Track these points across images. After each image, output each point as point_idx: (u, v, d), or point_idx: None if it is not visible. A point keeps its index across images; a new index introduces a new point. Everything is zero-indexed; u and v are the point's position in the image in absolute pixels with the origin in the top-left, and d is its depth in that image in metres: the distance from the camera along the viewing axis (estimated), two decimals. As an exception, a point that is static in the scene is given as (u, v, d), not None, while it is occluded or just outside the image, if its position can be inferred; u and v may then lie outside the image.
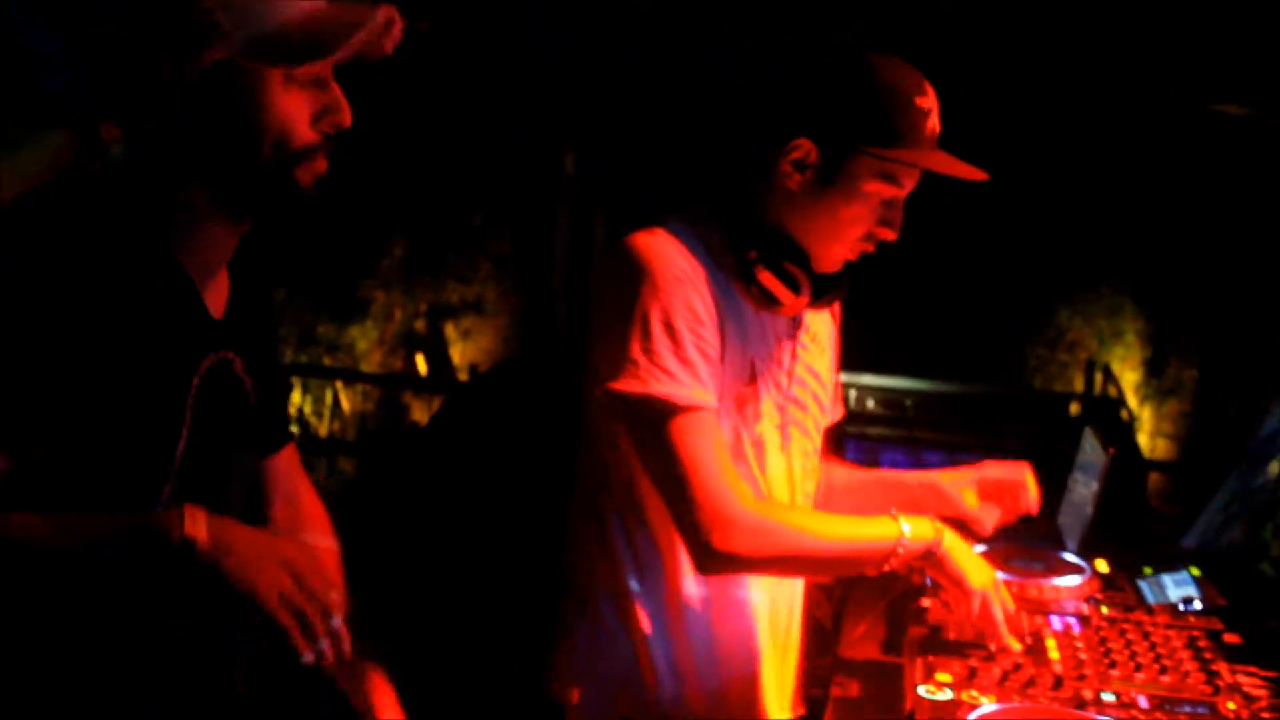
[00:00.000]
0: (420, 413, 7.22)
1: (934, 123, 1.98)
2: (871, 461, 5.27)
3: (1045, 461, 3.45)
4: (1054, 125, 7.11)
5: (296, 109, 1.58)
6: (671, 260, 1.95)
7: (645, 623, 2.08)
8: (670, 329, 1.92)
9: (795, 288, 2.02)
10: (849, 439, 5.83)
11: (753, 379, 2.06)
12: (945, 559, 2.02)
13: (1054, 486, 3.20)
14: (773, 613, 2.14)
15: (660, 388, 1.90)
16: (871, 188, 1.97)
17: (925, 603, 2.23)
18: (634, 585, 2.09)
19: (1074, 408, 7.09)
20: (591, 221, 7.50)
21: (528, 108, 6.84)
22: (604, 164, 7.13)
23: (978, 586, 2.04)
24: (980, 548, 2.33)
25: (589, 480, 2.14)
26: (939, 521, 2.07)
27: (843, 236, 2.02)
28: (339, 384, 6.92)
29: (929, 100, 1.97)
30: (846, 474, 2.42)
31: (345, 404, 6.96)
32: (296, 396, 6.59)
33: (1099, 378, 8.07)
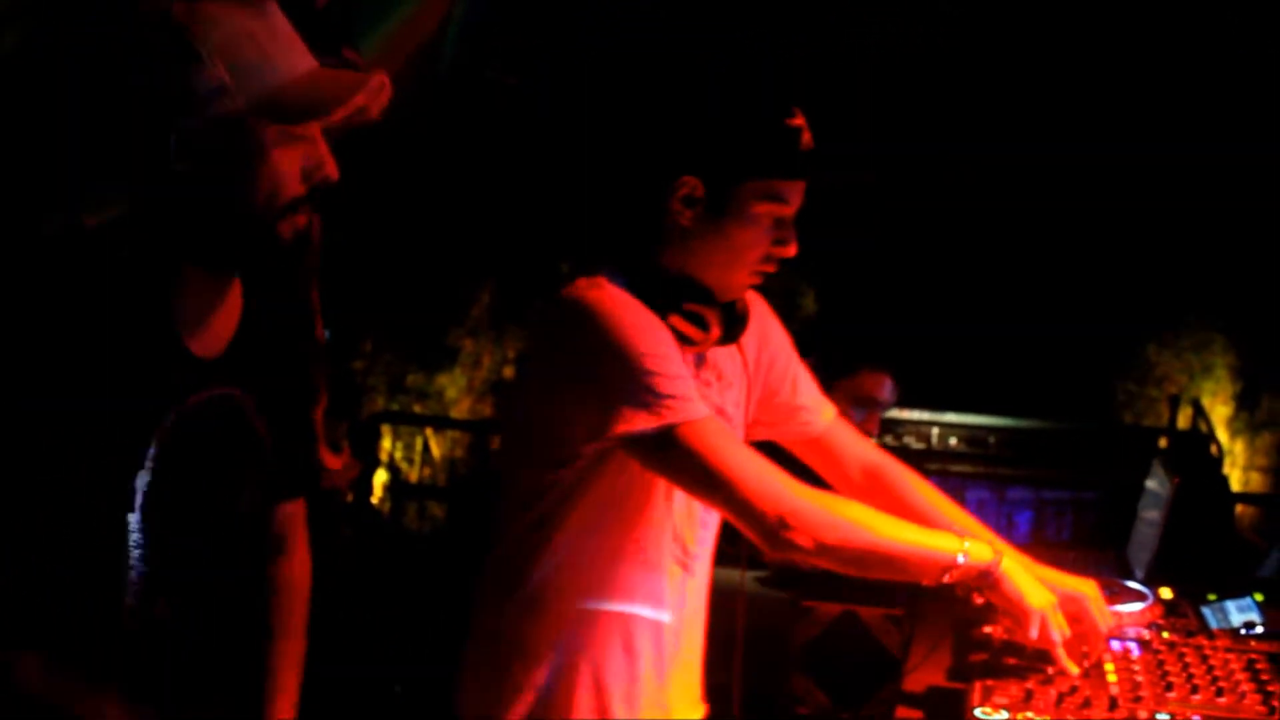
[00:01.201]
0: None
1: (806, 139, 2.07)
2: (956, 499, 5.29)
3: (1132, 497, 3.48)
4: (1144, 160, 7.10)
5: (288, 164, 1.67)
6: (630, 304, 2.03)
7: (520, 648, 2.11)
8: (653, 357, 1.98)
9: (704, 326, 2.09)
10: (932, 475, 5.85)
11: None
12: (1003, 581, 2.07)
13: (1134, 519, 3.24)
14: (651, 633, 2.14)
15: (675, 415, 1.97)
16: (761, 209, 2.06)
17: (988, 629, 2.27)
18: (517, 609, 2.12)
19: (1162, 442, 7.04)
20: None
21: (614, 153, 6.96)
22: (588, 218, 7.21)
23: (1035, 609, 2.08)
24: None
25: (508, 502, 2.18)
26: (999, 543, 2.13)
27: (742, 261, 2.10)
28: (429, 430, 7.05)
29: (798, 120, 2.06)
30: (935, 512, 2.41)
31: (435, 450, 7.08)
32: (387, 443, 6.71)
33: (1189, 412, 7.99)
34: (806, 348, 2.81)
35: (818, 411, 2.39)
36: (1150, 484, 3.07)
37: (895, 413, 5.71)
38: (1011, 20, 6.12)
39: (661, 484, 2.09)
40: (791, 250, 2.10)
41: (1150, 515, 2.96)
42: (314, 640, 2.03)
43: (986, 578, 2.07)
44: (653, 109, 2.11)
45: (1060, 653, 2.08)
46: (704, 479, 2.00)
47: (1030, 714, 1.91)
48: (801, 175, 2.07)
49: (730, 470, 1.98)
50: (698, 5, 5.68)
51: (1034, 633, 2.08)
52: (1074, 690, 2.00)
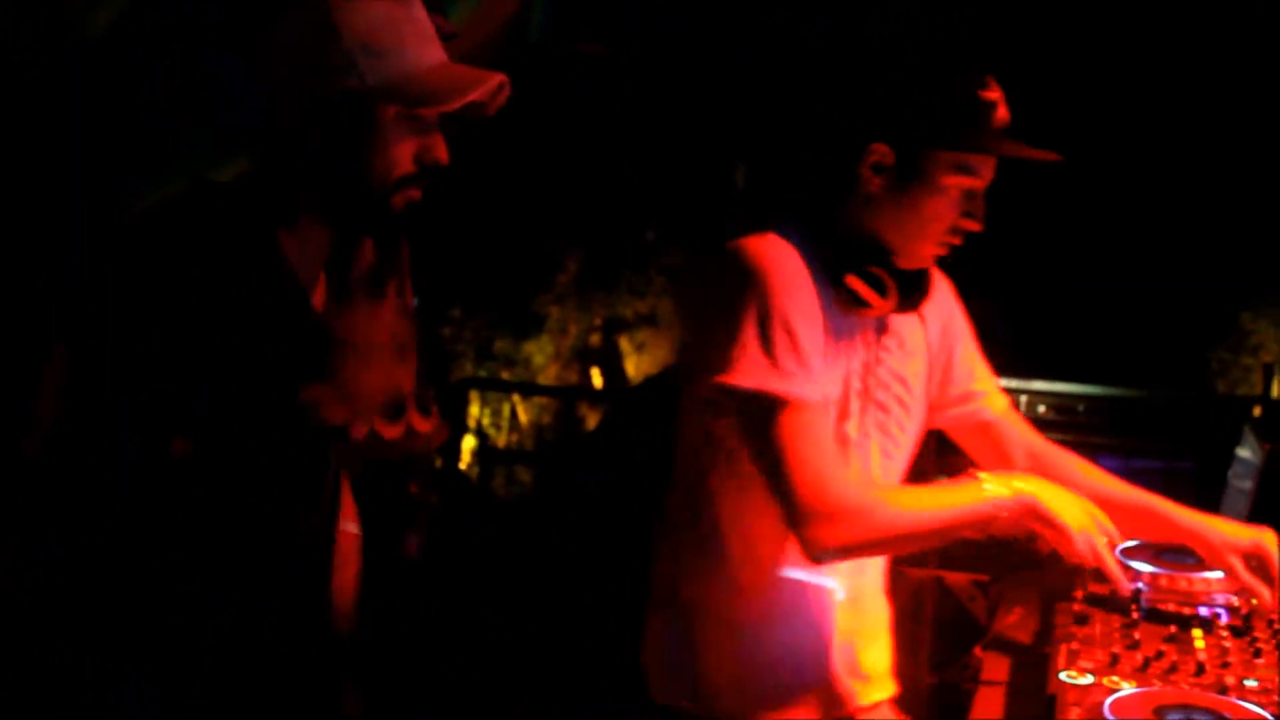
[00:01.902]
0: (595, 424, 7.38)
1: (1002, 112, 2.06)
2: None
3: (1224, 466, 3.45)
4: (1238, 128, 6.99)
5: (404, 144, 1.79)
6: (784, 262, 2.05)
7: (719, 615, 2.17)
8: (786, 327, 2.01)
9: (882, 290, 2.10)
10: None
11: (845, 380, 2.15)
12: (1036, 506, 2.06)
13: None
14: (851, 601, 2.21)
15: (776, 384, 1.99)
16: (950, 181, 2.06)
17: (1076, 596, 2.27)
18: (711, 577, 2.17)
19: (1256, 411, 6.95)
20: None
21: (699, 122, 6.96)
22: (774, 175, 7.21)
23: (1076, 526, 2.07)
24: (1132, 542, 2.36)
25: (680, 475, 2.23)
26: (1016, 473, 2.13)
27: (928, 232, 2.10)
28: (515, 397, 7.11)
29: (993, 92, 2.05)
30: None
31: (522, 416, 7.14)
32: (475, 409, 6.78)
33: (1282, 380, 7.87)
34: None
35: (992, 398, 2.40)
36: (1241, 452, 3.04)
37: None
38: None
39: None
40: (978, 225, 2.11)
41: (1241, 483, 2.94)
42: (406, 607, 2.08)
43: (1023, 507, 2.06)
44: (848, 74, 2.13)
45: (1109, 565, 2.08)
46: (771, 459, 2.02)
47: (1115, 678, 1.91)
48: (993, 150, 2.06)
49: (798, 465, 1.99)
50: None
51: (1081, 549, 2.07)
52: (1160, 655, 2.00)
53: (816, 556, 2.03)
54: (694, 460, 2.19)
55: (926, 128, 2.05)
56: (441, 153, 1.82)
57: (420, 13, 1.81)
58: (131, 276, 1.73)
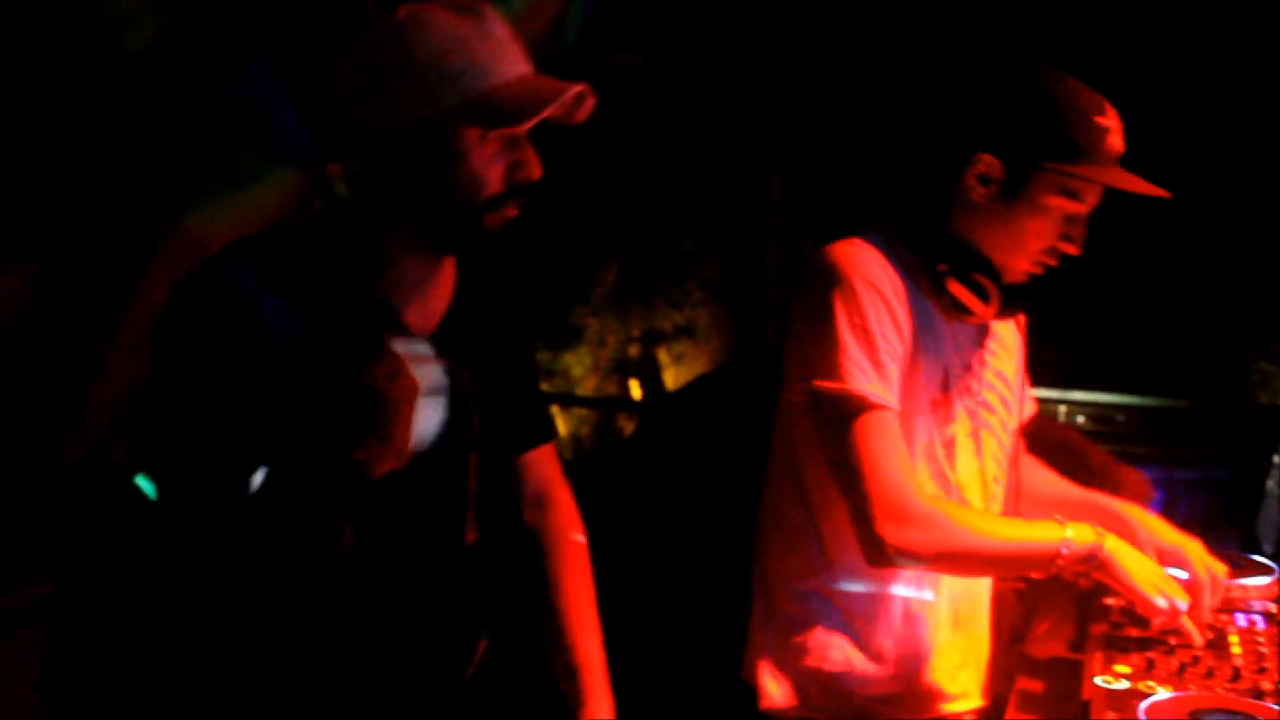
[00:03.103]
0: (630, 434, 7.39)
1: (1115, 141, 2.05)
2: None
3: (1265, 476, 3.44)
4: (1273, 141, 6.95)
5: (490, 164, 1.78)
6: (867, 268, 2.07)
7: (828, 619, 2.18)
8: (865, 331, 2.03)
9: (984, 298, 2.11)
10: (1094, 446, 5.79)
11: (945, 384, 2.16)
12: (1109, 562, 2.07)
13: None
14: (953, 611, 2.22)
15: (855, 384, 2.01)
16: (1054, 202, 2.06)
17: (1109, 600, 2.27)
18: (817, 584, 2.19)
19: (1297, 422, 6.90)
20: (801, 245, 7.58)
21: (734, 133, 6.97)
22: (809, 187, 7.21)
23: (1150, 590, 2.07)
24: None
25: (778, 483, 2.25)
26: (1101, 527, 2.13)
27: (1025, 249, 2.11)
28: (555, 408, 7.13)
29: (1109, 119, 2.04)
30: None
31: (562, 427, 7.16)
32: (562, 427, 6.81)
33: (1327, 391, 7.83)
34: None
35: (1026, 409, 2.43)
36: (1278, 457, 3.03)
37: (1020, 390, 5.67)
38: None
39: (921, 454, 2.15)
40: (1077, 249, 2.12)
41: (1278, 490, 2.93)
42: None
43: (1092, 560, 2.07)
44: (968, 83, 2.14)
45: (1185, 622, 2.08)
46: (846, 461, 2.04)
47: (1151, 683, 1.91)
48: (1102, 178, 2.06)
49: (871, 468, 2.01)
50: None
51: (1153, 612, 2.07)
52: (1196, 661, 2.00)
53: (875, 558, 2.04)
54: (794, 466, 2.21)
55: (1038, 145, 2.05)
56: (534, 169, 1.81)
57: (497, 26, 1.80)
58: (212, 315, 1.73)
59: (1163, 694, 1.85)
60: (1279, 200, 7.35)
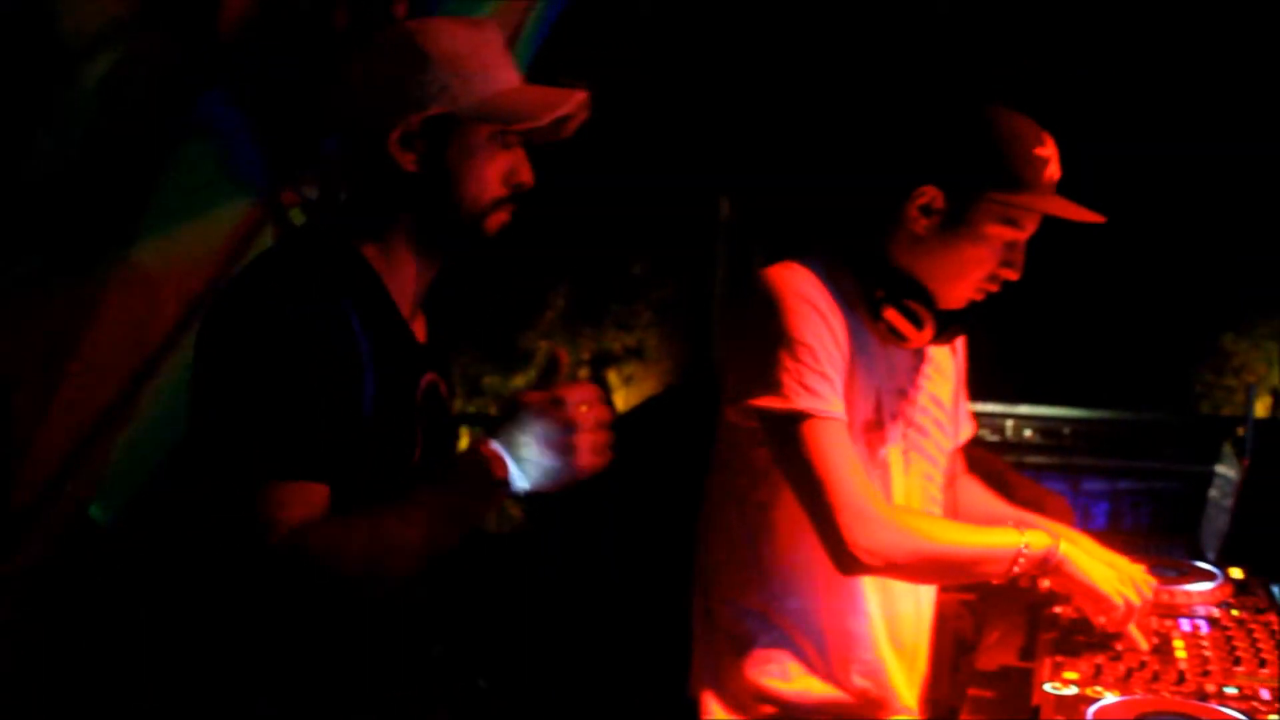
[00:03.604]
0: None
1: (1053, 170, 2.10)
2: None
3: (1209, 486, 3.49)
4: (1209, 156, 7.06)
5: (494, 166, 1.83)
6: (805, 290, 2.11)
7: (768, 636, 2.22)
8: (806, 347, 2.07)
9: (919, 324, 2.16)
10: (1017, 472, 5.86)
11: (878, 406, 2.20)
12: (1065, 564, 2.12)
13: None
14: (890, 621, 2.26)
15: (802, 402, 2.05)
16: (994, 231, 2.11)
17: (1058, 609, 2.31)
18: (757, 601, 2.23)
19: (1240, 431, 6.99)
20: (750, 267, 7.62)
21: (683, 156, 7.01)
22: (758, 209, 7.26)
23: (1101, 586, 2.13)
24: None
25: (719, 502, 2.28)
26: (1056, 529, 2.18)
27: (967, 276, 2.16)
28: (506, 431, 7.14)
29: (1048, 150, 2.10)
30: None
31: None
32: (465, 443, 6.82)
33: (1269, 400, 7.94)
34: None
35: (963, 431, 2.47)
36: (1220, 468, 3.09)
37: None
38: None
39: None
40: (1016, 275, 2.16)
41: (1220, 499, 2.98)
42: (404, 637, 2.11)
43: (1048, 563, 2.12)
44: (912, 116, 2.18)
45: (1131, 630, 2.13)
46: (804, 475, 2.07)
47: (1099, 688, 1.95)
48: (1041, 208, 2.11)
49: (828, 476, 2.05)
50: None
51: (1105, 614, 2.12)
52: (1143, 665, 2.04)
53: (844, 564, 2.07)
54: (734, 482, 2.25)
55: (980, 176, 2.10)
56: (527, 174, 1.86)
57: (495, 35, 1.86)
58: (231, 320, 1.74)
59: (1110, 698, 1.89)
60: (1219, 219, 7.47)
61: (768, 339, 2.10)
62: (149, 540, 2.11)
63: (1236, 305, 8.28)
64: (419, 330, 1.92)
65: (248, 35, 2.39)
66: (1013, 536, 2.12)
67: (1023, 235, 2.14)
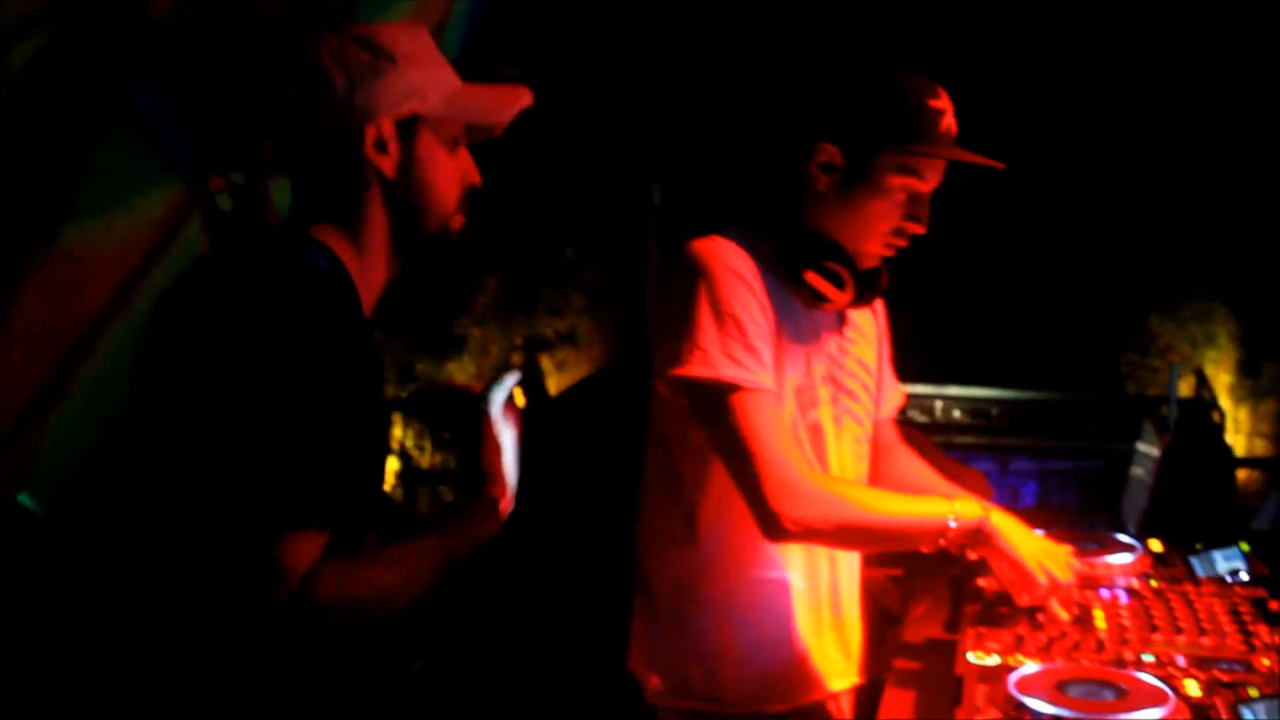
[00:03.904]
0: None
1: (949, 121, 2.15)
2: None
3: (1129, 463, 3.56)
4: (1135, 138, 7.16)
5: (455, 167, 1.82)
6: (729, 260, 2.14)
7: (704, 611, 2.25)
8: (733, 319, 2.10)
9: (840, 284, 2.19)
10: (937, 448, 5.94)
11: (808, 371, 2.24)
12: (994, 535, 2.17)
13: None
14: (821, 598, 2.29)
15: (727, 371, 2.08)
16: (895, 182, 2.15)
17: (981, 582, 2.36)
18: (692, 575, 2.26)
19: (1164, 411, 7.10)
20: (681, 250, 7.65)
21: (615, 140, 7.03)
22: (690, 193, 7.29)
23: (1027, 560, 2.17)
24: (1039, 531, 2.45)
25: (653, 477, 2.31)
26: (986, 502, 2.22)
27: (873, 232, 2.20)
28: (439, 417, 7.14)
29: (942, 102, 2.15)
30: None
31: (445, 436, 7.18)
32: (398, 430, 6.80)
33: (1193, 380, 8.07)
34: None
35: (891, 399, 2.50)
36: (1141, 446, 3.15)
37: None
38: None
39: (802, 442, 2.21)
40: (922, 228, 2.20)
41: (1141, 475, 3.04)
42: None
43: (978, 535, 2.17)
44: (800, 76, 2.21)
45: (1052, 604, 2.17)
46: (731, 445, 2.09)
47: (1020, 657, 1.99)
48: (937, 154, 2.16)
49: (754, 446, 2.07)
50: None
51: (1028, 588, 2.17)
52: (1063, 635, 2.09)
53: (774, 533, 2.10)
54: (667, 457, 2.27)
55: (874, 129, 2.14)
56: (476, 174, 1.85)
57: (428, 38, 1.83)
58: (198, 323, 1.62)
59: (1031, 666, 1.93)
60: (1144, 203, 7.58)
61: (693, 311, 2.12)
62: (104, 540, 2.08)
63: (1162, 287, 8.40)
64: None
65: (178, 22, 2.38)
66: (942, 506, 2.16)
67: (925, 187, 2.19)
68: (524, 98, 1.84)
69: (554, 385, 8.01)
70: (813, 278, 2.19)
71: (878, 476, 2.46)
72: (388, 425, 1.72)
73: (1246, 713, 1.79)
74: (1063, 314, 7.73)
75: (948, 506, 2.16)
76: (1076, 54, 6.38)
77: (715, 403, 2.10)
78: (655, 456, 2.31)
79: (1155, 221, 7.77)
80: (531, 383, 7.99)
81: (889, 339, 2.51)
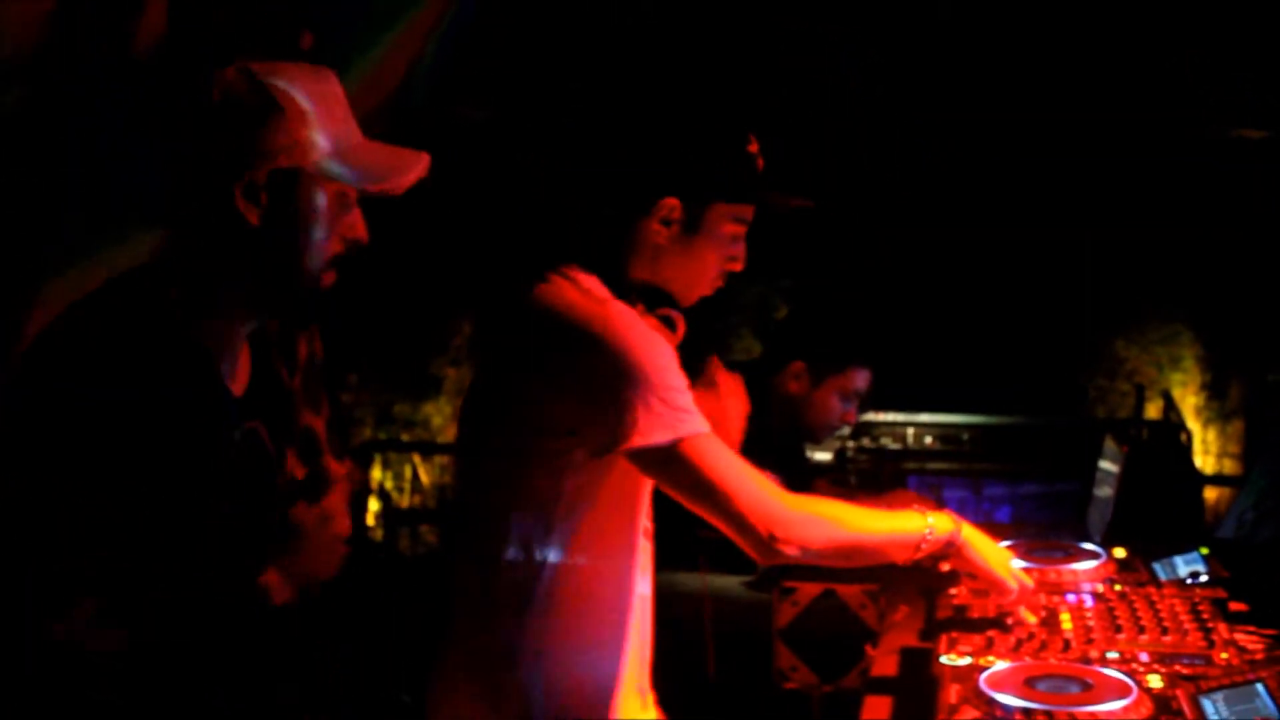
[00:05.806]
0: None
1: (761, 162, 2.27)
2: (935, 496, 5.47)
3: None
4: (1097, 164, 7.28)
5: (335, 223, 1.82)
6: (632, 313, 2.14)
7: (572, 659, 2.17)
8: (668, 372, 2.08)
9: (673, 328, 2.27)
10: (910, 475, 6.05)
11: None
12: (965, 548, 2.25)
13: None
14: (640, 664, 2.25)
15: (685, 428, 2.07)
16: (727, 229, 2.24)
17: (954, 592, 2.44)
18: (564, 628, 2.18)
19: (1133, 434, 7.21)
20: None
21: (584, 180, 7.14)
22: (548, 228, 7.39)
23: (999, 569, 2.26)
24: (1006, 542, 2.54)
25: (511, 543, 2.18)
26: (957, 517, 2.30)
27: (706, 276, 2.27)
28: (416, 458, 7.19)
29: (754, 145, 2.26)
30: None
31: (424, 477, 7.22)
32: (377, 472, 6.86)
33: (1160, 404, 8.18)
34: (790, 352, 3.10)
35: None
36: (1103, 463, 3.25)
37: (870, 415, 5.90)
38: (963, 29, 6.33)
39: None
40: (740, 266, 2.28)
41: (1104, 488, 3.13)
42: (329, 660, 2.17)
43: (951, 547, 2.24)
44: (642, 135, 2.27)
45: (1021, 610, 2.26)
46: (703, 492, 2.09)
47: (991, 657, 2.07)
48: (764, 200, 2.25)
49: (728, 486, 2.09)
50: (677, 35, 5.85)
51: (1004, 593, 2.25)
52: (1031, 637, 2.17)
53: (774, 559, 2.12)
54: (532, 518, 2.17)
55: (712, 182, 2.22)
56: (362, 230, 1.84)
57: (338, 85, 1.83)
58: (41, 396, 1.69)
59: (1001, 665, 2.01)
60: (1112, 231, 7.71)
61: (625, 375, 2.06)
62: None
63: (1126, 312, 8.53)
64: (238, 382, 1.87)
65: (158, 59, 2.43)
66: (918, 521, 2.23)
67: (745, 229, 2.28)
68: (421, 164, 1.83)
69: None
70: (653, 325, 2.23)
71: None
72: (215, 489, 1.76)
73: (1207, 703, 1.87)
74: (1031, 341, 7.85)
75: (923, 521, 2.24)
76: (1046, 80, 6.50)
77: (681, 460, 2.08)
78: (518, 518, 2.18)
79: (1122, 249, 7.90)
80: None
81: None
